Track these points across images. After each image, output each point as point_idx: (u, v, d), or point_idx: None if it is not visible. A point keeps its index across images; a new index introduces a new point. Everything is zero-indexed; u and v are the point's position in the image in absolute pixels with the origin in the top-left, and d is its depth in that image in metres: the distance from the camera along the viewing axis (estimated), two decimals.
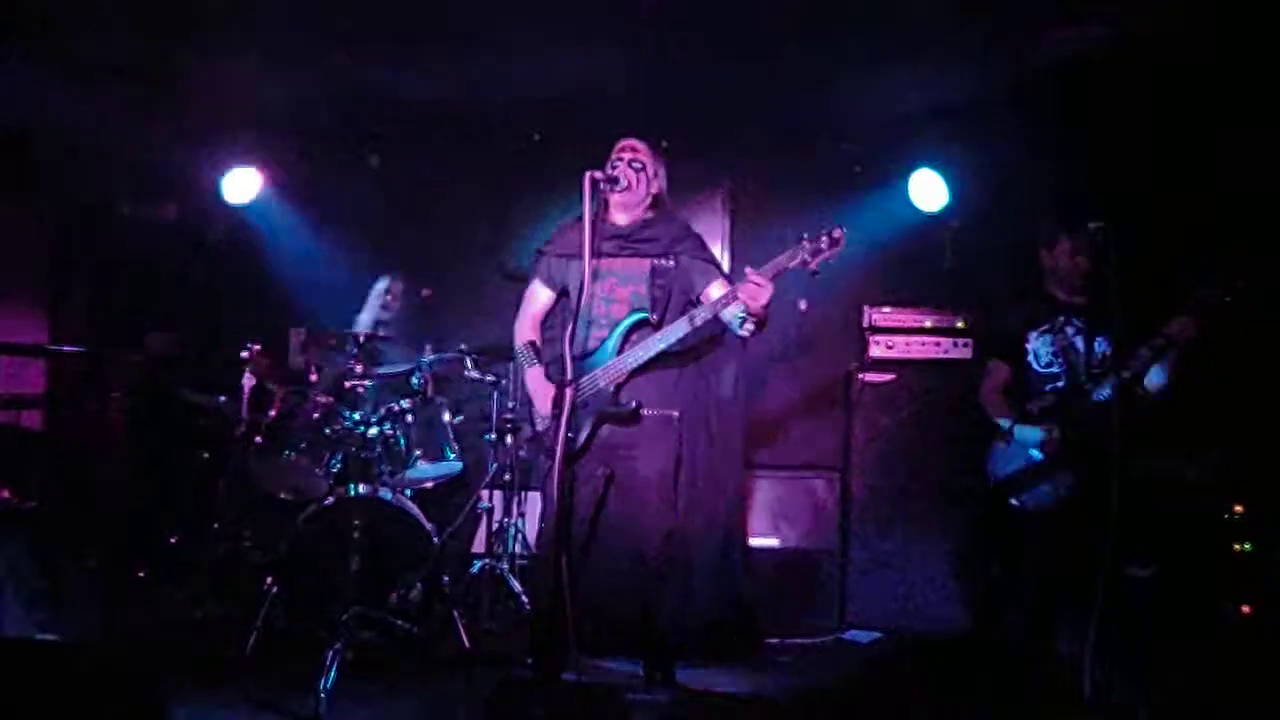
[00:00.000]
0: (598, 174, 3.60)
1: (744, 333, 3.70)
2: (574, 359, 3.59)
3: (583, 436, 3.72)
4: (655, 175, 3.92)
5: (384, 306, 5.36)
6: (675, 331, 3.66)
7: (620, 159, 3.84)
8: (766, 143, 5.81)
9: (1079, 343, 4.07)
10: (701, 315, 3.65)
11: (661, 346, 3.67)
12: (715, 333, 3.94)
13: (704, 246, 3.94)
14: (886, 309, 5.43)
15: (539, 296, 4.01)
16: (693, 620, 4.46)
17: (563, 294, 3.99)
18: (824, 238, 3.54)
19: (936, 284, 5.61)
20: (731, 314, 3.67)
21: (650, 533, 3.79)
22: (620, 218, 3.87)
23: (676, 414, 3.86)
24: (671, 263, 3.81)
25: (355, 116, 5.90)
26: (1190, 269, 4.31)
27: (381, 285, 5.43)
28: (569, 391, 3.45)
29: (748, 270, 3.54)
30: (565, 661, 3.77)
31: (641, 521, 3.79)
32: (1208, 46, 4.47)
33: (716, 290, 3.78)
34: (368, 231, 5.94)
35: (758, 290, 3.50)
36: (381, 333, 4.81)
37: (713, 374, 4.08)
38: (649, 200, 3.91)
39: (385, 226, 5.99)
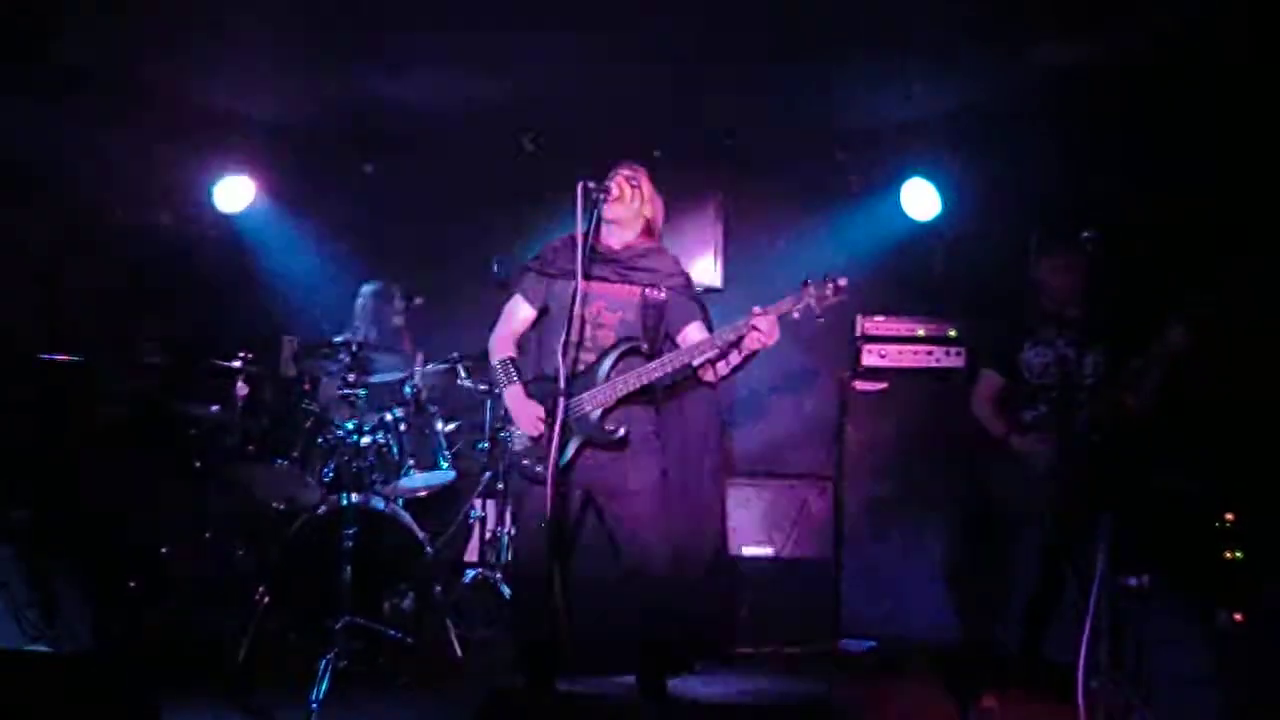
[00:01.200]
0: (591, 182, 3.61)
1: (713, 375, 3.73)
2: (565, 378, 3.61)
3: (566, 457, 3.67)
4: (649, 199, 3.91)
5: (386, 317, 5.34)
6: (669, 363, 3.66)
7: (619, 173, 3.84)
8: (760, 152, 5.82)
9: (1071, 353, 4.08)
10: (697, 353, 3.66)
11: (654, 377, 3.67)
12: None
13: (691, 284, 3.95)
14: (879, 318, 5.44)
15: (519, 313, 3.95)
16: (685, 631, 4.45)
17: (543, 312, 3.95)
18: (829, 285, 3.56)
19: (929, 293, 5.63)
20: (702, 358, 3.68)
21: (642, 546, 3.76)
22: (614, 241, 3.85)
23: (654, 429, 3.85)
24: (662, 295, 3.80)
25: (349, 123, 5.90)
26: (1184, 279, 4.34)
27: (368, 290, 5.40)
28: (560, 410, 3.45)
29: (755, 310, 3.54)
30: (556, 673, 3.77)
31: (632, 536, 3.76)
32: (1205, 54, 4.49)
33: (695, 331, 3.79)
34: (360, 239, 5.94)
35: (771, 330, 3.52)
36: (374, 340, 4.81)
37: (690, 394, 4.07)
38: (642, 224, 3.89)
39: (378, 234, 5.99)
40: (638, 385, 3.65)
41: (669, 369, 3.66)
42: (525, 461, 3.73)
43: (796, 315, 3.57)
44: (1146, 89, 4.80)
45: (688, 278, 3.94)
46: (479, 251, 5.94)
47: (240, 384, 4.94)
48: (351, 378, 4.56)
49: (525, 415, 3.75)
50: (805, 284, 3.58)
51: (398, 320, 5.34)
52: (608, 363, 3.69)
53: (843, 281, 3.57)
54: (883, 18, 4.47)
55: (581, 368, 3.71)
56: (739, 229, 5.88)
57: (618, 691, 4.00)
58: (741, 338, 3.56)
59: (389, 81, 5.32)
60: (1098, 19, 4.40)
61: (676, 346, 3.78)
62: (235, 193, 5.81)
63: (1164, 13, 4.26)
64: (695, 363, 3.71)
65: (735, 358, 3.65)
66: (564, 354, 3.51)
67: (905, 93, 5.18)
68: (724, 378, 3.74)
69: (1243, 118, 4.74)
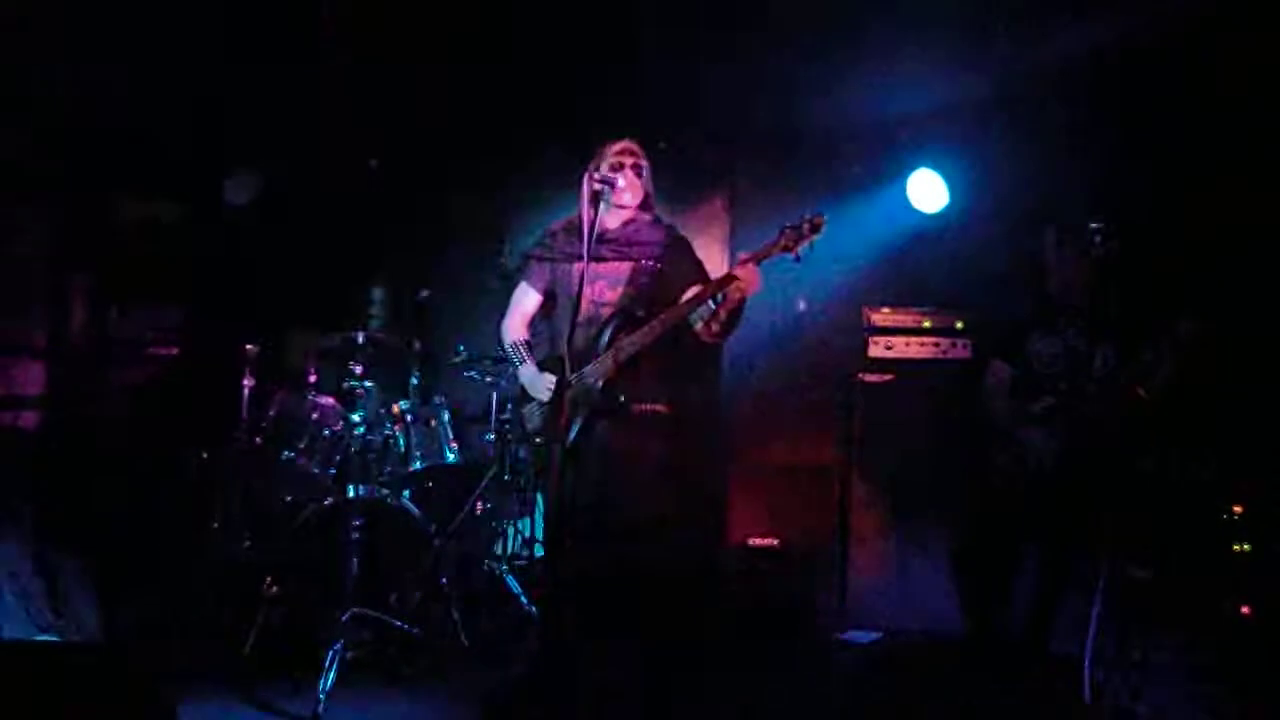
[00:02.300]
0: (596, 175, 3.62)
1: (709, 332, 3.73)
2: (569, 360, 3.63)
3: (573, 434, 3.71)
4: (649, 176, 3.94)
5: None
6: (663, 323, 3.68)
7: (623, 164, 3.84)
8: (768, 143, 5.81)
9: (1080, 345, 4.07)
10: (685, 308, 3.68)
11: (649, 339, 3.69)
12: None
13: (690, 250, 3.96)
14: (885, 309, 5.42)
15: (526, 299, 4.04)
16: (685, 618, 4.45)
17: (549, 298, 4.00)
18: (805, 224, 3.59)
19: (936, 284, 5.61)
20: (697, 314, 3.71)
21: (646, 530, 3.79)
22: (611, 221, 3.88)
23: (666, 409, 3.87)
24: (658, 265, 3.83)
25: (355, 117, 5.90)
26: (1192, 271, 4.32)
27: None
28: (566, 394, 3.47)
29: (741, 255, 3.60)
30: (564, 660, 3.78)
31: (637, 519, 3.79)
32: (1209, 46, 4.48)
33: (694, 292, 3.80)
34: (366, 232, 5.94)
35: (750, 278, 3.55)
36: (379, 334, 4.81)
37: (694, 370, 4.10)
38: (640, 200, 3.93)
39: (383, 227, 5.99)
40: (634, 350, 3.68)
41: (660, 330, 3.68)
42: (539, 440, 3.77)
43: (776, 256, 3.60)
44: (1154, 80, 4.78)
45: (684, 244, 3.95)
46: (483, 245, 5.95)
47: (247, 376, 4.94)
48: (358, 370, 4.57)
49: (538, 386, 3.82)
50: (783, 228, 3.61)
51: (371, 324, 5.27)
52: (606, 335, 3.73)
53: (818, 219, 3.58)
54: (891, 9, 4.46)
55: (583, 345, 3.74)
56: (746, 222, 5.87)
57: (621, 680, 4.00)
58: (724, 289, 3.59)
59: (393, 75, 5.32)
60: (1106, 9, 4.38)
61: None
62: (244, 185, 5.81)
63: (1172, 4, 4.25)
64: (690, 318, 3.73)
65: (722, 313, 3.67)
66: (570, 338, 3.54)
67: (913, 84, 5.17)
68: (718, 335, 3.75)
69: (1249, 110, 4.72)
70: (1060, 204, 4.81)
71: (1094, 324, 4.03)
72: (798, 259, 3.60)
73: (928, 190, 5.56)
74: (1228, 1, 4.22)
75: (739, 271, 3.57)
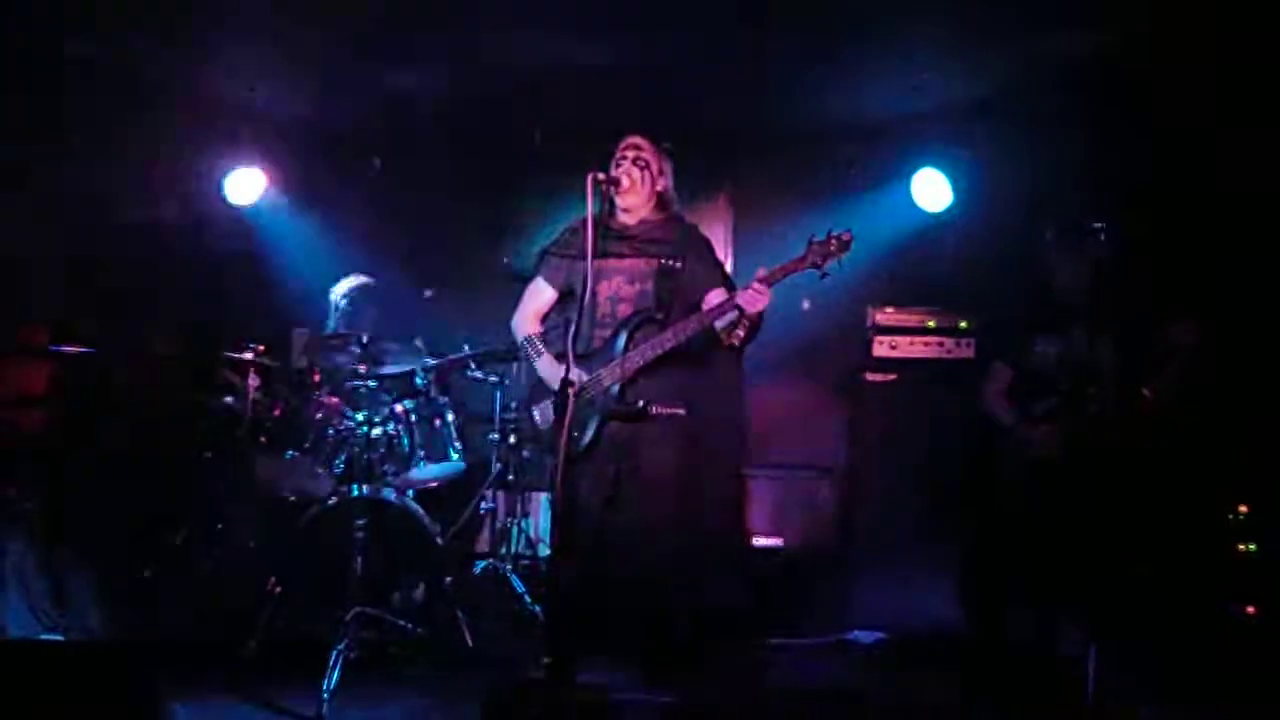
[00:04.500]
0: (600, 174, 3.61)
1: (733, 341, 3.71)
2: (579, 358, 3.60)
3: (588, 436, 3.71)
4: (660, 173, 3.92)
5: (361, 322, 5.18)
6: (683, 330, 3.66)
7: (625, 157, 3.84)
8: (769, 143, 5.81)
9: (1082, 346, 4.06)
10: (707, 319, 3.66)
11: (669, 345, 3.67)
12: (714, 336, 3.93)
13: (711, 250, 3.95)
14: (889, 309, 5.42)
15: (541, 294, 4.00)
16: (696, 620, 4.45)
17: (566, 294, 3.98)
18: (832, 240, 3.55)
19: (940, 284, 5.61)
20: (723, 322, 3.68)
21: (657, 532, 3.78)
22: (627, 218, 3.88)
23: (683, 411, 3.86)
24: (679, 264, 3.81)
25: (358, 116, 5.91)
26: (1196, 271, 4.31)
27: (342, 292, 5.27)
28: (572, 391, 3.46)
29: (759, 272, 3.54)
30: (572, 662, 3.78)
31: (649, 521, 3.78)
32: (1208, 47, 4.47)
33: (717, 297, 3.78)
34: (370, 231, 5.95)
35: (755, 298, 3.52)
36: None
37: (714, 373, 4.07)
38: (654, 199, 3.91)
39: (388, 226, 6.00)
40: (653, 355, 3.66)
41: (682, 336, 3.66)
42: (551, 437, 3.75)
43: (801, 272, 3.57)
44: (1156, 80, 4.77)
45: (705, 243, 3.93)
46: (488, 244, 5.95)
47: (252, 375, 4.95)
48: (362, 369, 4.57)
49: (557, 377, 3.69)
50: (809, 242, 3.58)
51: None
52: (623, 336, 3.70)
53: (846, 235, 3.55)
54: (893, 8, 4.46)
55: (600, 344, 3.73)
56: (748, 221, 5.87)
57: (628, 682, 4.00)
58: (737, 307, 3.57)
59: (397, 75, 5.32)
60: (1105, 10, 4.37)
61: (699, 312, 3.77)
62: (246, 185, 5.82)
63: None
64: (718, 326, 3.71)
65: (743, 325, 3.64)
66: (576, 336, 3.52)
67: (915, 84, 5.16)
68: (742, 342, 3.71)
69: (1246, 112, 4.71)
70: (1063, 204, 4.80)
71: (1095, 324, 4.02)
72: (824, 275, 3.57)
73: (932, 190, 5.55)
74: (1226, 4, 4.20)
75: (742, 299, 3.54)
